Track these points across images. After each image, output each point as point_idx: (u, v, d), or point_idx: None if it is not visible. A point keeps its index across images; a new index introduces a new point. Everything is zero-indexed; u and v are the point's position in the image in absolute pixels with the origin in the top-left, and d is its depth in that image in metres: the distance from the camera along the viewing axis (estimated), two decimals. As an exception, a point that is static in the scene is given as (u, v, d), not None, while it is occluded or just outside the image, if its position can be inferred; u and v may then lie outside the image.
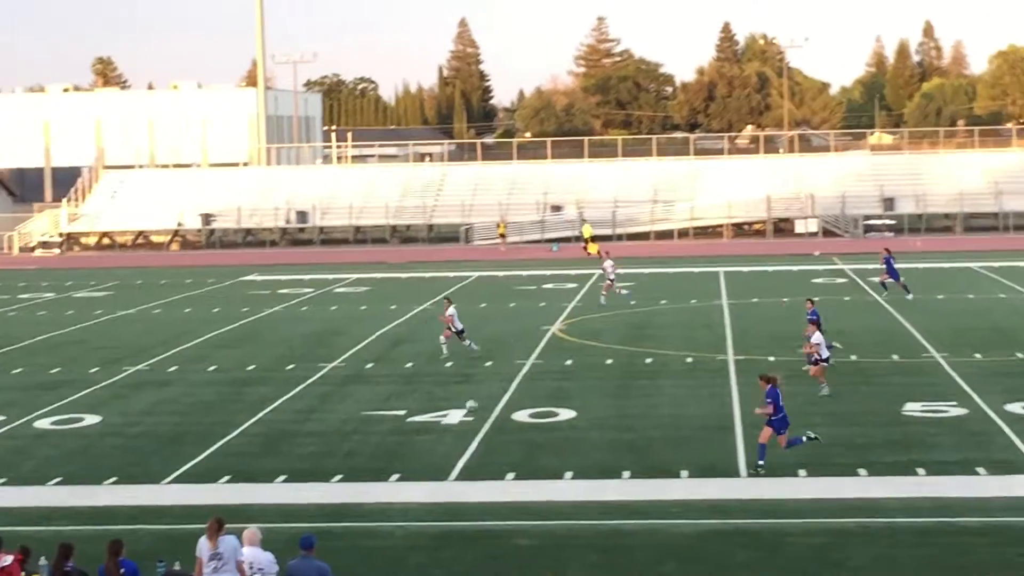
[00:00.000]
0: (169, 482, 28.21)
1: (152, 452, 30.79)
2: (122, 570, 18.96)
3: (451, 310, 42.69)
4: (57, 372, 42.08)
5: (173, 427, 33.40)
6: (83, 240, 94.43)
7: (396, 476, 27.81)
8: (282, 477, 28.20)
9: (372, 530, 24.53)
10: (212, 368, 42.13)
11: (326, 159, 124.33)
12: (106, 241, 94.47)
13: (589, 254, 76.65)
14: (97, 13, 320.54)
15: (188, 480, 28.29)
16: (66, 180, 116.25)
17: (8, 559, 18.61)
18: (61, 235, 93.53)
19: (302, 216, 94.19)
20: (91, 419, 34.76)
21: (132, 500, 26.81)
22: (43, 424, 34.32)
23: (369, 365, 41.84)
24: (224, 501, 26.15)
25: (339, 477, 28.07)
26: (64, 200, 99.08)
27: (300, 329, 50.49)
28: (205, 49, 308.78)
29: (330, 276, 70.46)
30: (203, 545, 18.00)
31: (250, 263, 79.24)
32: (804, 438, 28.29)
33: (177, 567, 18.93)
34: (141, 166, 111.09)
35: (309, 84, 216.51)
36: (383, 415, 34.07)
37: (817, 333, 36.20)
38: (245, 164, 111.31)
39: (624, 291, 56.19)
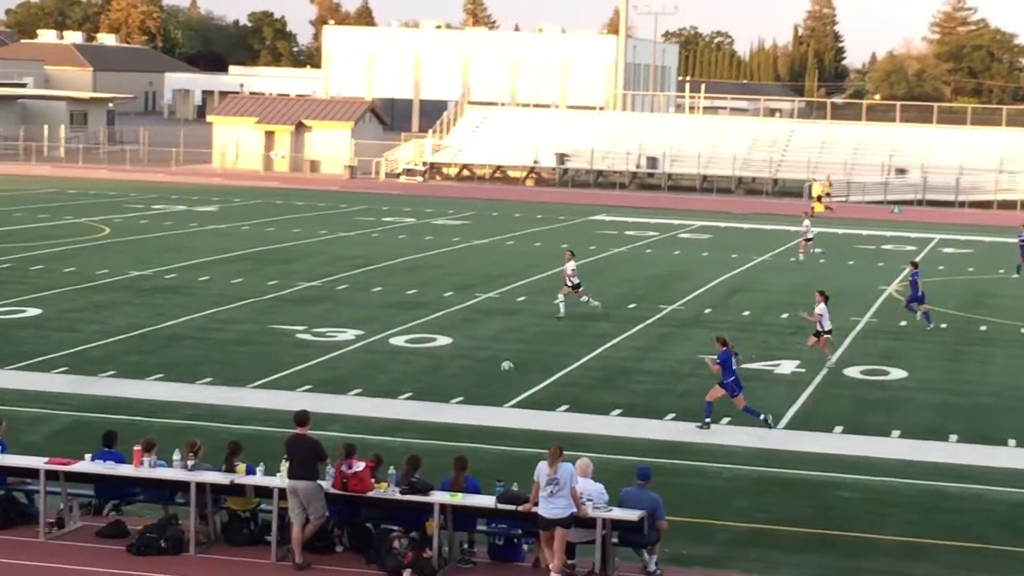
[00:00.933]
0: (511, 406, 28.68)
1: (496, 376, 31.33)
2: (466, 485, 19.39)
3: (571, 264, 40.08)
4: (413, 294, 43.16)
5: (518, 354, 33.90)
6: (444, 170, 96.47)
7: (726, 420, 27.67)
8: (617, 411, 28.36)
9: (700, 469, 24.49)
10: (558, 301, 42.59)
11: (679, 108, 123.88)
12: (466, 173, 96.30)
13: (812, 213, 67.75)
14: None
15: (528, 406, 28.70)
16: (432, 112, 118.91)
17: (360, 465, 19.21)
18: (424, 164, 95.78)
19: (652, 162, 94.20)
20: (442, 340, 35.57)
21: (475, 420, 27.37)
22: (398, 341, 35.28)
23: (707, 310, 41.67)
24: (561, 429, 26.46)
25: (672, 416, 28.09)
26: (429, 131, 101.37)
27: (643, 271, 50.60)
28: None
29: (675, 221, 70.34)
30: (542, 469, 18.23)
31: (600, 203, 79.70)
32: (761, 416, 27.03)
33: (515, 488, 19.22)
34: (503, 104, 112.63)
35: (667, 35, 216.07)
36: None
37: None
38: (601, 108, 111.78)
39: (818, 250, 56.10)
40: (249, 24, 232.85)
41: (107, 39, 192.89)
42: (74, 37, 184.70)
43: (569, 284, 40.13)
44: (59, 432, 25.53)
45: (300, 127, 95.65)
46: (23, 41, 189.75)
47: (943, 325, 40.00)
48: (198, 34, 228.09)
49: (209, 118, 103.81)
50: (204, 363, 31.88)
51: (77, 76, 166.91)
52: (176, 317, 37.60)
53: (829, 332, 33.37)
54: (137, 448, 19.95)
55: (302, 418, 19.24)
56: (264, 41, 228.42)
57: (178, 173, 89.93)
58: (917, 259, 46.70)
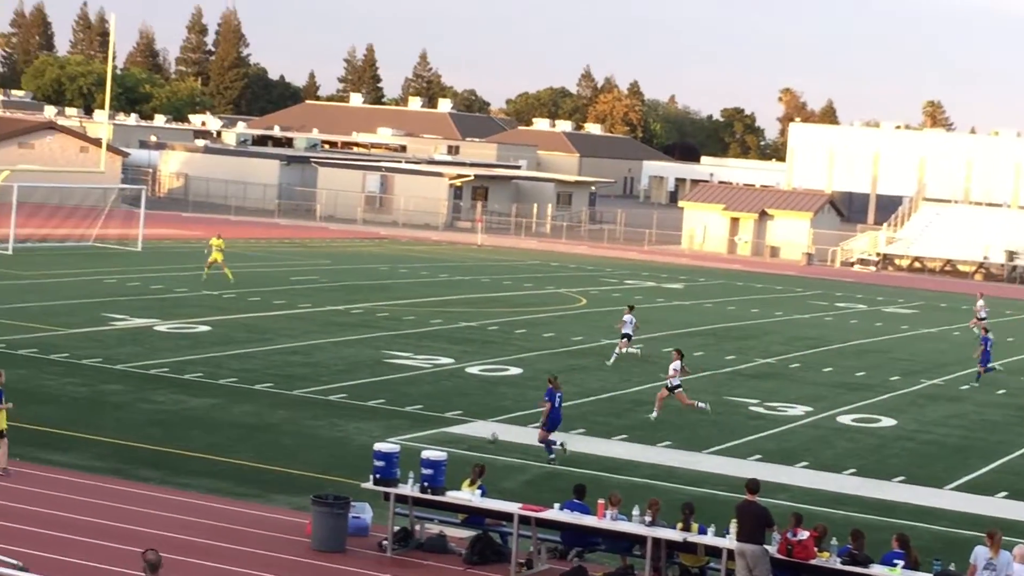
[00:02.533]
0: (951, 488, 27.68)
1: (938, 459, 30.32)
2: (898, 562, 18.78)
3: (627, 317, 41.71)
4: (861, 376, 42.29)
5: (960, 439, 32.73)
6: (897, 261, 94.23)
7: None
8: (1057, 502, 26.91)
9: None
10: (1001, 392, 40.87)
11: None
12: (917, 265, 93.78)
13: None
14: (934, 61, 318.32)
15: (968, 489, 27.63)
16: (887, 207, 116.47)
17: (805, 534, 18.93)
18: (878, 255, 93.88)
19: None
20: (887, 421, 34.69)
21: (916, 499, 26.53)
22: (844, 419, 34.63)
23: None
24: (999, 514, 25.33)
25: (1112, 512, 26.42)
26: (884, 224, 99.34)
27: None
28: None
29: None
30: (981, 552, 17.50)
31: (1047, 300, 75.99)
32: (553, 453, 26.99)
33: (952, 568, 18.50)
34: (956, 201, 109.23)
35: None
36: None
37: None
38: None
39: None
40: (721, 119, 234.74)
41: (593, 128, 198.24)
42: (564, 126, 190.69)
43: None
44: (533, 481, 26.24)
45: (763, 215, 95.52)
46: (520, 128, 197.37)
47: None
48: (674, 126, 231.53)
49: (680, 203, 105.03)
50: (664, 427, 32.16)
51: (565, 161, 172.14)
52: (641, 383, 38.09)
53: None
54: (601, 501, 20.30)
55: (753, 486, 19.15)
56: (734, 135, 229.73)
57: (650, 252, 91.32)
58: None
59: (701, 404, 33.14)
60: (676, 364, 33.09)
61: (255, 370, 35.88)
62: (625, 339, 42.26)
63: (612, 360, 41.10)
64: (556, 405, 27.66)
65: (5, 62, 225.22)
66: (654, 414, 32.87)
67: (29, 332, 39.25)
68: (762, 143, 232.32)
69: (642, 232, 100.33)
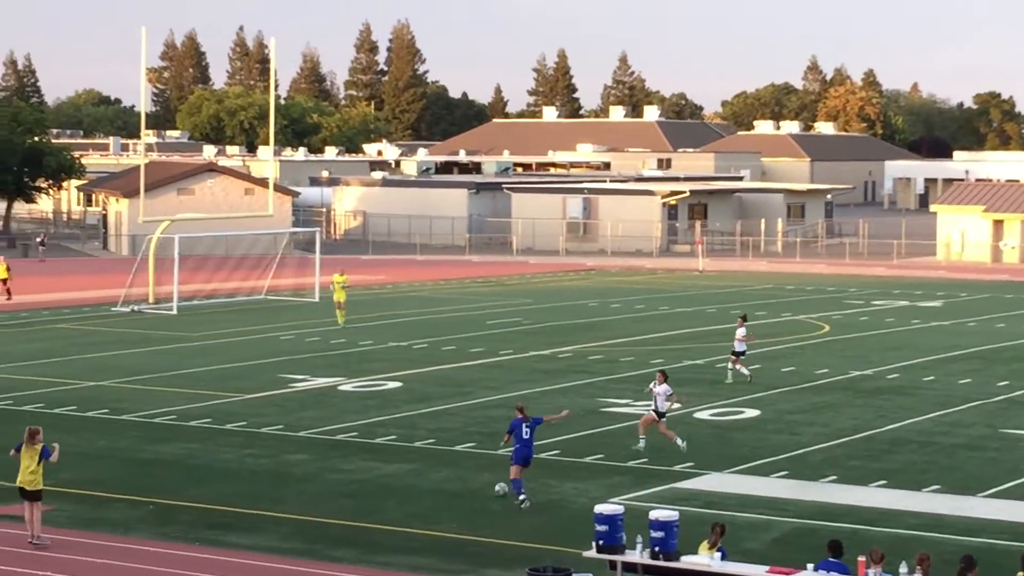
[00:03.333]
0: None
1: None
2: None
3: (741, 330, 43.95)
4: None
5: None
6: None
7: None
8: None
9: None
10: None
11: None
12: None
13: None
14: None
15: None
16: None
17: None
18: None
19: None
20: None
21: None
22: None
23: None
24: None
25: None
26: None
27: None
28: None
29: None
30: None
31: None
32: (523, 494, 28.01)
33: None
34: None
35: None
36: None
37: None
38: None
39: None
40: (974, 106, 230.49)
41: (824, 128, 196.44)
42: (791, 127, 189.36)
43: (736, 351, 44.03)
44: (780, 539, 26.02)
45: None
46: (739, 133, 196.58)
47: None
48: (919, 119, 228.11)
49: (932, 207, 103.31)
50: (930, 469, 31.62)
51: (794, 167, 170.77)
52: (899, 420, 37.52)
53: None
54: (862, 559, 20.03)
55: (1040, 533, 18.70)
56: (991, 123, 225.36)
57: (899, 267, 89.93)
58: None
59: (679, 441, 33.21)
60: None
61: (454, 429, 36.27)
62: (736, 356, 43.92)
63: (730, 379, 43.48)
64: (526, 437, 28.30)
65: (157, 100, 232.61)
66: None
67: (201, 400, 40.32)
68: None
69: (889, 244, 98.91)
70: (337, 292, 58.01)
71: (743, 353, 43.97)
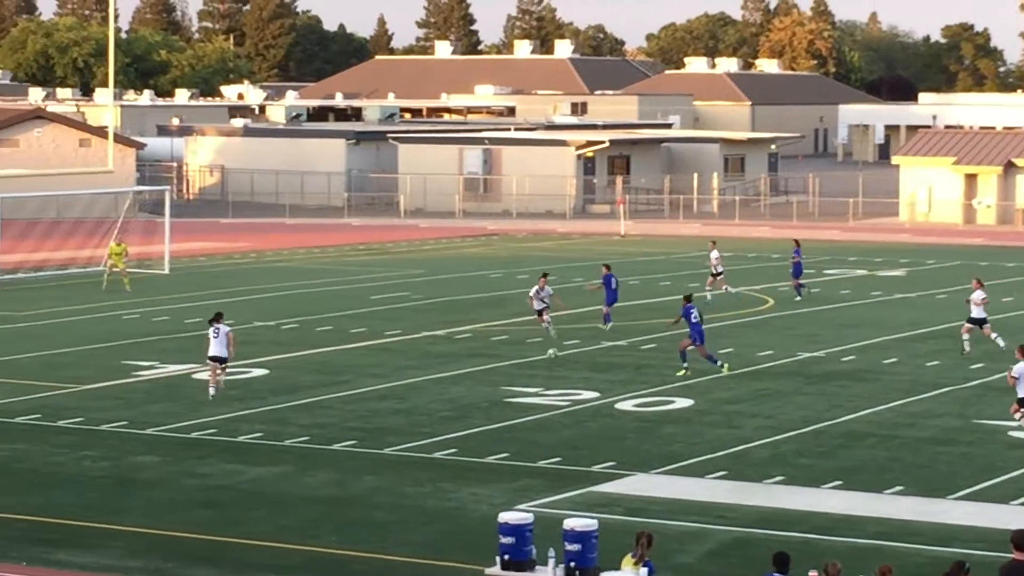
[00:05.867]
0: None
1: None
2: None
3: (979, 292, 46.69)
4: None
5: None
6: None
7: None
8: None
9: None
10: None
11: None
12: None
13: None
14: None
15: None
16: None
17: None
18: None
19: None
20: None
21: None
22: None
23: None
24: None
25: None
26: None
27: None
28: None
29: None
30: None
31: None
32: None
33: None
34: None
35: None
36: None
37: None
38: None
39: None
40: (943, 40, 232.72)
41: (768, 66, 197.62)
42: (728, 65, 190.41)
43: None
44: (717, 551, 26.16)
45: (1010, 167, 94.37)
46: (667, 72, 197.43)
47: None
48: (879, 55, 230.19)
49: (894, 159, 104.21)
50: (893, 468, 31.89)
51: (732, 113, 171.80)
52: (857, 410, 37.81)
53: None
54: (814, 574, 20.17)
55: (1020, 540, 18.90)
56: (962, 61, 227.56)
57: (856, 229, 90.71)
58: None
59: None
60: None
61: (332, 424, 36.17)
62: (976, 324, 46.49)
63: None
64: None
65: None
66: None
67: (28, 392, 39.94)
68: (1002, 69, 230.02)
69: (844, 203, 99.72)
70: (112, 261, 60.70)
71: (984, 321, 46.57)
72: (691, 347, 42.17)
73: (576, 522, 21.46)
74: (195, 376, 42.15)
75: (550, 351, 45.18)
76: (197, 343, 47.17)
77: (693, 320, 42.15)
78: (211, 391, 38.80)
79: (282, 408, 38.03)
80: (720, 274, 57.64)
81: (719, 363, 42.36)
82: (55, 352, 46.41)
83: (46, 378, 41.92)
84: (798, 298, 57.94)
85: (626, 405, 38.52)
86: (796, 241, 60.96)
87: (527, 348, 47.06)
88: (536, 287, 48.73)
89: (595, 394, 39.67)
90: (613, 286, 50.54)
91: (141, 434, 35.14)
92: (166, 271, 65.91)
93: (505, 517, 21.81)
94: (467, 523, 27.76)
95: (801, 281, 58.75)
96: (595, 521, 21.70)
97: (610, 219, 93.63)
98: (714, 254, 57.56)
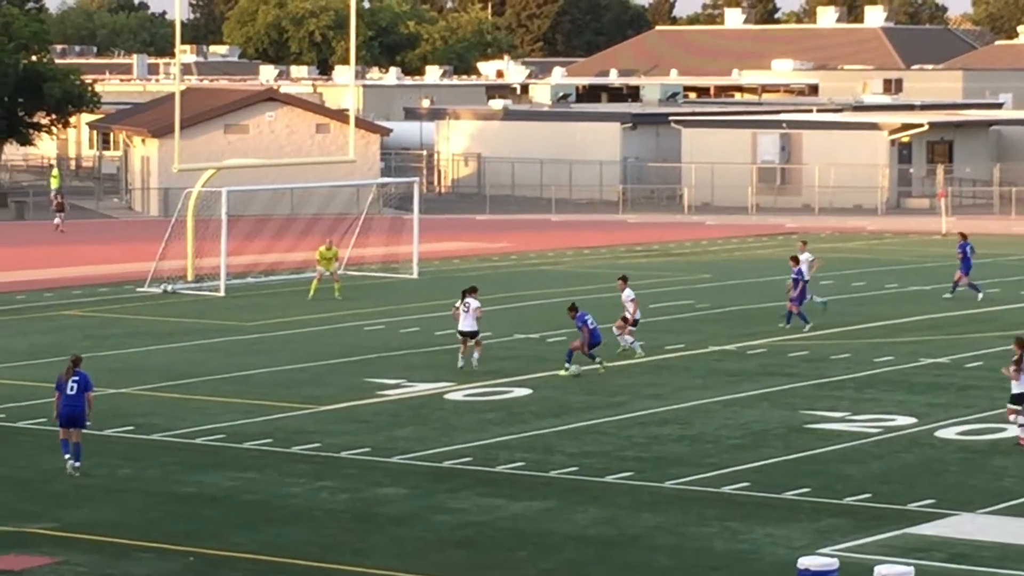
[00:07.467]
0: None
1: None
2: None
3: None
4: None
5: None
6: None
7: None
8: None
9: None
10: None
11: None
12: None
13: None
14: None
15: None
16: None
17: None
18: None
19: None
20: None
21: None
22: None
23: None
24: None
25: None
26: None
27: None
28: None
29: None
30: None
31: None
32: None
33: None
34: None
35: None
36: None
37: None
38: None
39: None
40: None
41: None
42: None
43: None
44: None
45: None
46: (998, 43, 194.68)
47: None
48: None
49: None
50: None
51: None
52: None
53: None
54: None
55: None
56: None
57: None
58: None
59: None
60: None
61: (605, 453, 36.25)
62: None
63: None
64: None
65: (197, 5, 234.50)
66: None
67: (258, 413, 40.56)
68: None
69: None
70: (322, 265, 61.10)
71: None
72: None
73: (889, 569, 21.29)
74: (447, 396, 42.51)
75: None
76: (450, 358, 47.60)
77: None
78: (459, 362, 45.26)
79: (547, 434, 38.20)
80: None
81: None
82: (289, 368, 47.11)
83: (278, 397, 42.56)
84: (980, 296, 58.40)
85: (948, 433, 38.08)
86: (963, 234, 60.24)
87: (830, 366, 46.73)
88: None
89: (911, 420, 39.28)
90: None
91: (386, 462, 35.50)
92: (414, 275, 66.57)
93: (806, 562, 21.71)
94: (762, 568, 27.65)
95: (974, 281, 58.68)
96: (911, 568, 21.50)
97: (929, 215, 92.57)
98: (805, 256, 56.28)
